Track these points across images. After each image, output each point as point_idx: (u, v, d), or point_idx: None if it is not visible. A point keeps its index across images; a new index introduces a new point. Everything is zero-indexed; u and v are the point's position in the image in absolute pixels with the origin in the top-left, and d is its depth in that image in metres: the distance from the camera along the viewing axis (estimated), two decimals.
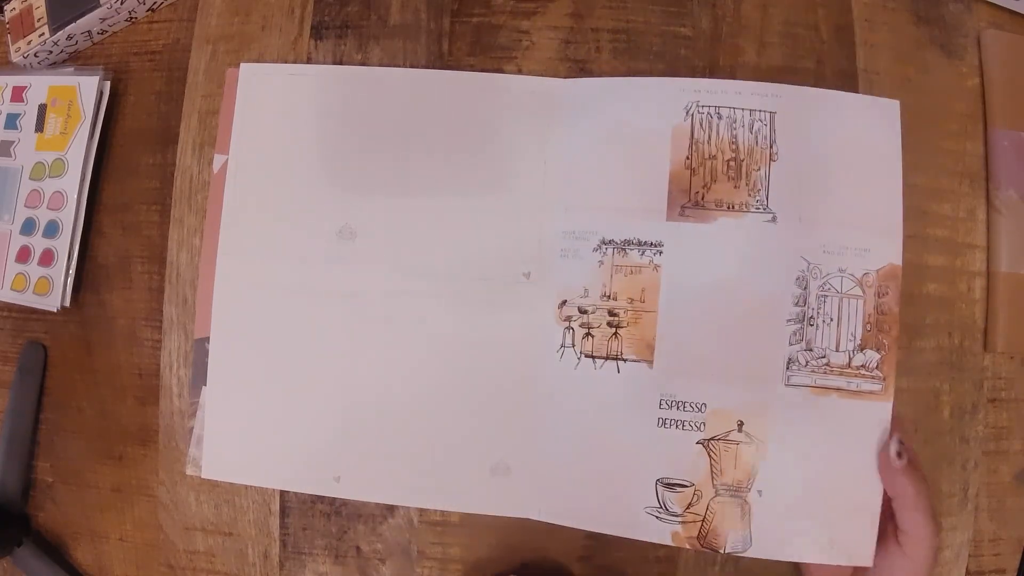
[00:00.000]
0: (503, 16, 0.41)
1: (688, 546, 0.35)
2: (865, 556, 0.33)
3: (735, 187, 0.36)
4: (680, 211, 0.36)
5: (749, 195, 0.36)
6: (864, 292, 0.35)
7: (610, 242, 0.37)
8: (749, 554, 0.34)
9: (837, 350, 0.35)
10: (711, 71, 0.40)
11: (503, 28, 0.41)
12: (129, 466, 0.42)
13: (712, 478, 0.35)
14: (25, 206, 0.43)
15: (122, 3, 0.42)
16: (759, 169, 0.36)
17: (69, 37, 0.43)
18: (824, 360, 0.35)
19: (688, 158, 0.37)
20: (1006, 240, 0.39)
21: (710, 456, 0.35)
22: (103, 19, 0.43)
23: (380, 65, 0.41)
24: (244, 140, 0.41)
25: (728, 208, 0.36)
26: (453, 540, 0.39)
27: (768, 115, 0.36)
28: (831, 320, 0.35)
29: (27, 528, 0.43)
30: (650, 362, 0.36)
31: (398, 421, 0.38)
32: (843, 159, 0.36)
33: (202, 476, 0.40)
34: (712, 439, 0.35)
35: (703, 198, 0.36)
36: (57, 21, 0.43)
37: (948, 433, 0.39)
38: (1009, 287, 0.39)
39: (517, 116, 0.39)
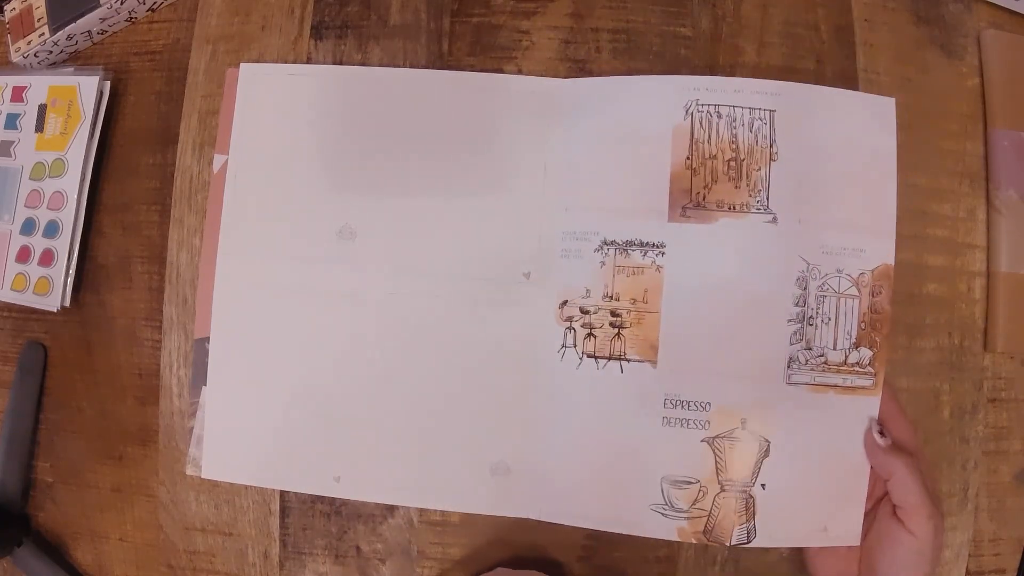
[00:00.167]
0: (503, 16, 0.41)
1: (695, 540, 0.35)
2: (853, 536, 0.34)
3: (736, 187, 0.36)
4: (682, 212, 0.36)
5: (750, 195, 0.36)
6: (860, 292, 0.36)
7: (612, 243, 0.37)
8: (753, 545, 0.35)
9: (834, 348, 0.35)
10: (711, 71, 0.40)
11: (503, 28, 0.41)
12: (129, 466, 0.42)
13: (717, 474, 0.35)
14: (25, 206, 0.43)
15: (122, 3, 0.42)
16: (759, 169, 0.36)
17: (69, 37, 0.43)
18: (822, 358, 0.35)
19: (688, 158, 0.37)
20: (1006, 240, 0.39)
21: (715, 453, 0.35)
22: (103, 19, 0.43)
23: (380, 65, 0.41)
24: (244, 140, 0.41)
25: (729, 209, 0.36)
26: (453, 540, 0.39)
27: (768, 113, 0.36)
28: (829, 320, 0.36)
29: (27, 528, 0.43)
30: (654, 362, 0.36)
31: (398, 421, 0.38)
32: (841, 158, 0.36)
33: (202, 476, 0.40)
34: (717, 437, 0.35)
35: (704, 199, 0.36)
36: (57, 21, 0.43)
37: (948, 433, 0.39)
38: (1009, 287, 0.39)
39: (517, 116, 0.39)
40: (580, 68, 0.40)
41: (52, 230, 0.42)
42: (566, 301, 0.37)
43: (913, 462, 0.32)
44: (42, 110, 0.43)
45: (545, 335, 0.37)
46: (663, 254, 0.36)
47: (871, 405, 0.35)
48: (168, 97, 0.43)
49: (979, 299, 0.39)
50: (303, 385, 0.39)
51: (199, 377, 0.40)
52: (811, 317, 0.36)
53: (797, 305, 0.36)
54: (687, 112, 0.37)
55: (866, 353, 0.35)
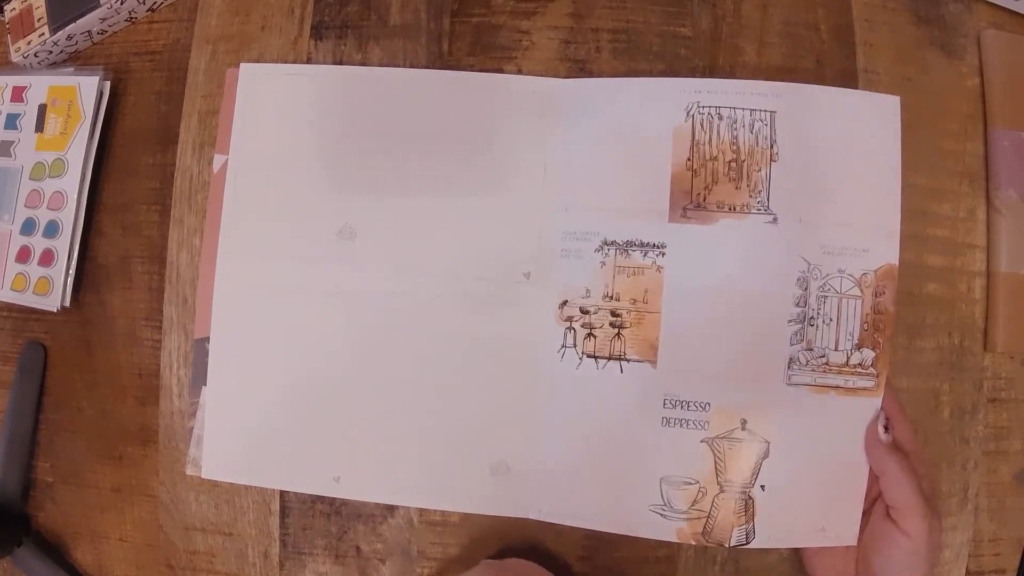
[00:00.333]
0: (503, 16, 0.41)
1: (693, 542, 0.35)
2: (851, 536, 0.34)
3: (736, 188, 0.36)
4: (682, 213, 0.36)
5: (750, 196, 0.36)
6: (862, 292, 0.35)
7: (612, 243, 0.37)
8: (752, 546, 0.35)
9: (836, 349, 0.35)
10: (711, 71, 0.40)
11: (503, 28, 0.41)
12: (129, 466, 0.42)
13: (717, 475, 0.35)
14: (25, 206, 0.43)
15: (122, 3, 0.42)
16: (760, 170, 0.36)
17: (69, 37, 0.43)
18: (823, 359, 0.35)
19: (689, 159, 0.37)
20: (1006, 240, 0.39)
21: (714, 454, 0.36)
22: (103, 19, 0.43)
23: (380, 65, 0.41)
24: (244, 140, 0.41)
25: (730, 209, 0.36)
26: (453, 540, 0.39)
27: (768, 114, 0.36)
28: (830, 320, 0.35)
29: (27, 528, 0.43)
30: (653, 362, 0.36)
31: (398, 421, 0.38)
32: (843, 157, 0.36)
33: (202, 476, 0.40)
34: (716, 437, 0.36)
35: (705, 199, 0.36)
36: (57, 21, 0.43)
37: (948, 433, 0.39)
38: (1009, 287, 0.39)
39: (517, 116, 0.39)
40: (580, 68, 0.40)
41: (52, 230, 0.42)
42: (566, 301, 0.37)
43: (907, 462, 0.32)
44: (42, 110, 0.43)
45: (545, 335, 0.37)
46: (663, 255, 0.36)
47: (872, 406, 0.35)
48: (168, 97, 0.43)
49: (979, 299, 0.39)
50: (303, 385, 0.39)
51: (199, 377, 0.40)
52: (812, 318, 0.36)
53: (798, 305, 0.36)
54: (688, 114, 0.37)
55: (868, 354, 0.35)
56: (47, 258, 0.42)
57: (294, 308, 0.39)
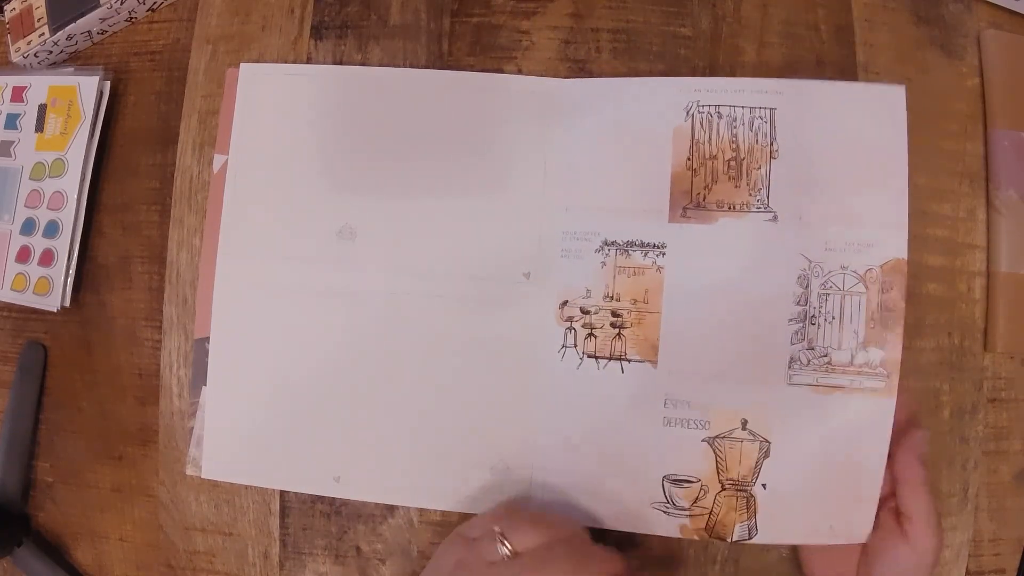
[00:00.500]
0: (503, 16, 0.41)
1: (696, 537, 0.36)
2: (861, 535, 0.34)
3: (736, 187, 0.36)
4: (682, 212, 0.36)
5: (750, 195, 0.36)
6: (867, 288, 0.35)
7: (612, 243, 0.37)
8: (754, 541, 0.35)
9: (840, 348, 0.35)
10: (711, 71, 0.40)
11: (503, 28, 0.41)
12: (129, 466, 0.42)
13: (718, 474, 0.35)
14: (25, 206, 0.43)
15: (122, 3, 0.42)
16: (759, 168, 0.36)
17: (69, 37, 0.43)
18: (826, 359, 0.35)
19: (689, 159, 0.37)
20: (1006, 240, 0.39)
21: (716, 453, 0.36)
22: (103, 19, 0.43)
23: (380, 65, 0.41)
24: (244, 140, 0.41)
25: (729, 208, 0.36)
26: None
27: (768, 111, 0.36)
28: (833, 319, 0.35)
29: (27, 528, 0.43)
30: (654, 362, 0.36)
31: (398, 421, 0.38)
32: (846, 151, 0.36)
33: (202, 476, 0.40)
34: (717, 437, 0.35)
35: (704, 199, 0.36)
36: (57, 21, 0.43)
37: (948, 433, 0.39)
38: (1009, 287, 0.39)
39: (517, 116, 0.39)
40: (580, 68, 0.40)
41: (52, 230, 0.42)
42: (566, 301, 0.37)
43: (929, 474, 0.33)
44: (42, 110, 0.43)
45: (545, 335, 0.37)
46: (664, 254, 0.36)
47: (885, 407, 0.34)
48: (168, 97, 0.43)
49: (979, 299, 0.39)
50: (303, 385, 0.39)
51: (199, 377, 0.40)
52: (813, 316, 0.35)
53: (798, 304, 0.35)
54: (688, 113, 0.37)
55: (876, 353, 0.34)
56: (47, 258, 0.42)
57: (294, 308, 0.39)
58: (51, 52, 0.44)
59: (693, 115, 0.37)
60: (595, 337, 0.37)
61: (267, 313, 0.39)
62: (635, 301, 0.36)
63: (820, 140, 0.36)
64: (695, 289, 0.36)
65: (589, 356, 0.37)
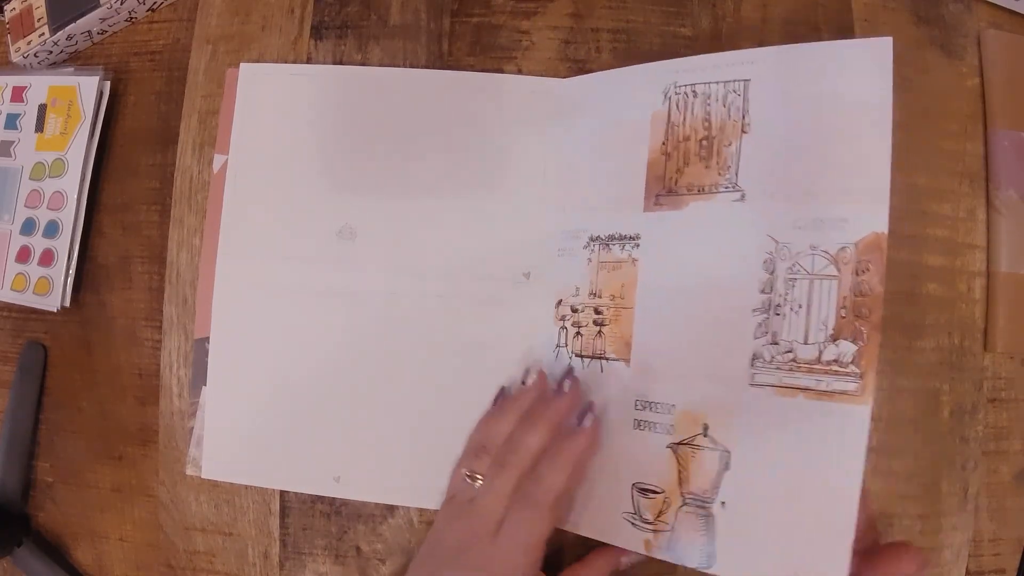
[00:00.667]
0: (503, 16, 0.41)
1: (658, 556, 0.32)
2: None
3: (706, 167, 0.33)
4: (656, 200, 0.34)
5: (719, 174, 0.32)
6: (839, 270, 0.29)
7: (597, 238, 0.36)
8: (713, 571, 0.30)
9: (806, 343, 0.30)
10: None
11: (503, 28, 0.41)
12: (129, 466, 0.42)
13: (680, 485, 0.32)
14: (25, 206, 0.43)
15: (122, 3, 0.42)
16: (730, 144, 0.32)
17: (69, 37, 0.43)
18: (791, 355, 0.30)
19: (664, 143, 0.34)
20: (1006, 240, 0.39)
21: (678, 462, 0.32)
22: (103, 19, 0.43)
23: (380, 65, 0.41)
24: (244, 140, 0.41)
25: (699, 191, 0.33)
26: None
27: (742, 84, 0.33)
28: (799, 308, 0.30)
29: (27, 528, 0.43)
30: (627, 361, 0.34)
31: (398, 421, 0.38)
32: (824, 117, 0.31)
33: (202, 476, 0.40)
34: (680, 443, 0.32)
35: (676, 183, 0.33)
36: (57, 21, 0.43)
37: (948, 433, 0.39)
38: (1009, 287, 0.39)
39: (517, 116, 0.39)
40: (580, 68, 0.40)
41: (52, 230, 0.42)
42: (560, 300, 0.37)
43: None
44: (42, 110, 0.43)
45: (543, 334, 0.37)
46: (638, 246, 0.34)
47: (857, 417, 0.28)
48: (168, 97, 0.43)
49: (979, 299, 0.39)
50: (303, 385, 0.39)
51: (199, 377, 0.40)
52: (778, 305, 0.30)
53: (764, 292, 0.31)
54: (665, 96, 0.34)
55: (847, 348, 0.29)
56: (47, 258, 0.42)
57: (294, 308, 0.39)
58: (51, 52, 0.44)
59: (670, 97, 0.34)
60: (581, 336, 0.36)
61: (267, 313, 0.39)
62: (613, 297, 0.35)
63: (796, 109, 0.32)
64: (666, 280, 0.33)
65: (577, 355, 0.36)
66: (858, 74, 0.31)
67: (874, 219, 0.29)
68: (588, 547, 0.39)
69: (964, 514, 0.39)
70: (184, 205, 0.42)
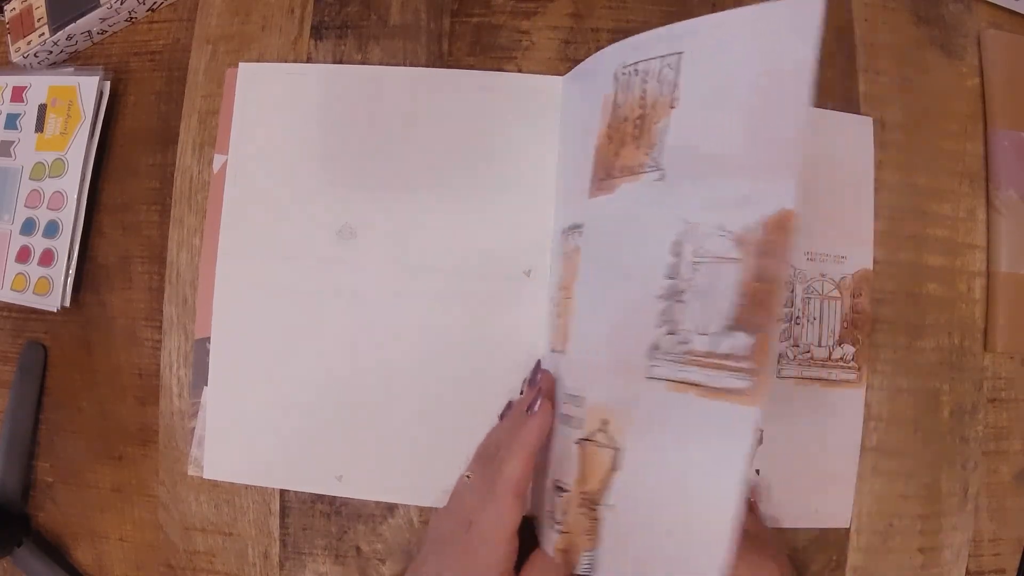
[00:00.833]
0: (503, 16, 0.41)
1: (560, 561, 0.30)
2: None
3: (636, 147, 0.31)
4: (597, 186, 0.32)
5: (646, 154, 0.30)
6: (743, 251, 0.26)
7: (565, 230, 0.36)
8: None
9: (703, 333, 0.27)
10: None
11: (503, 28, 0.41)
12: (129, 466, 0.42)
13: (578, 485, 0.30)
14: (25, 206, 0.43)
15: (122, 3, 0.42)
16: (658, 122, 0.30)
17: (69, 37, 0.43)
18: (686, 346, 0.27)
19: (610, 127, 0.32)
20: (1006, 240, 0.39)
21: (581, 459, 0.30)
22: (103, 19, 0.43)
23: (380, 65, 0.41)
24: (244, 140, 0.41)
25: (628, 173, 0.31)
26: None
27: (676, 57, 0.30)
28: (702, 293, 0.27)
29: (27, 528, 0.43)
30: (563, 352, 0.33)
31: (399, 420, 0.38)
32: (742, 87, 0.28)
33: (204, 476, 0.40)
34: (584, 439, 0.30)
35: (613, 167, 0.32)
36: (57, 21, 0.43)
37: (948, 433, 0.39)
38: (1009, 287, 0.39)
39: (517, 115, 0.39)
40: None
41: (52, 230, 0.42)
42: (552, 296, 0.37)
43: None
44: (42, 110, 0.43)
45: (541, 332, 0.37)
46: (581, 235, 0.33)
47: (744, 419, 0.25)
48: (168, 97, 0.43)
49: (979, 299, 0.39)
50: (304, 384, 0.39)
51: (200, 377, 0.40)
52: (682, 292, 0.27)
53: (669, 277, 0.28)
54: (615, 79, 0.32)
55: (743, 340, 0.25)
56: (47, 258, 0.42)
57: (294, 308, 0.39)
58: (51, 52, 0.44)
59: (618, 78, 0.32)
60: (554, 329, 0.36)
61: (267, 313, 0.39)
62: (565, 288, 0.34)
63: (719, 79, 0.29)
64: (598, 269, 0.32)
65: (552, 351, 0.36)
66: (782, 37, 0.27)
67: (783, 195, 0.25)
68: None
69: (964, 514, 0.39)
70: (184, 205, 0.42)
